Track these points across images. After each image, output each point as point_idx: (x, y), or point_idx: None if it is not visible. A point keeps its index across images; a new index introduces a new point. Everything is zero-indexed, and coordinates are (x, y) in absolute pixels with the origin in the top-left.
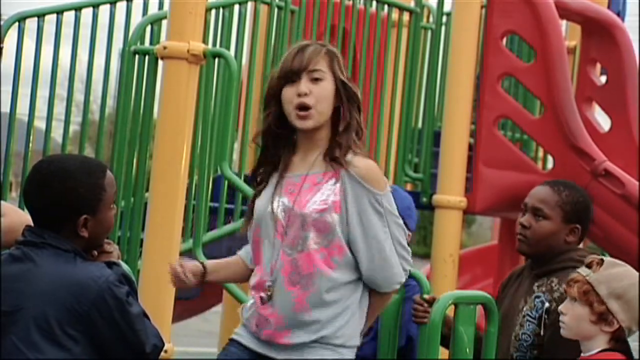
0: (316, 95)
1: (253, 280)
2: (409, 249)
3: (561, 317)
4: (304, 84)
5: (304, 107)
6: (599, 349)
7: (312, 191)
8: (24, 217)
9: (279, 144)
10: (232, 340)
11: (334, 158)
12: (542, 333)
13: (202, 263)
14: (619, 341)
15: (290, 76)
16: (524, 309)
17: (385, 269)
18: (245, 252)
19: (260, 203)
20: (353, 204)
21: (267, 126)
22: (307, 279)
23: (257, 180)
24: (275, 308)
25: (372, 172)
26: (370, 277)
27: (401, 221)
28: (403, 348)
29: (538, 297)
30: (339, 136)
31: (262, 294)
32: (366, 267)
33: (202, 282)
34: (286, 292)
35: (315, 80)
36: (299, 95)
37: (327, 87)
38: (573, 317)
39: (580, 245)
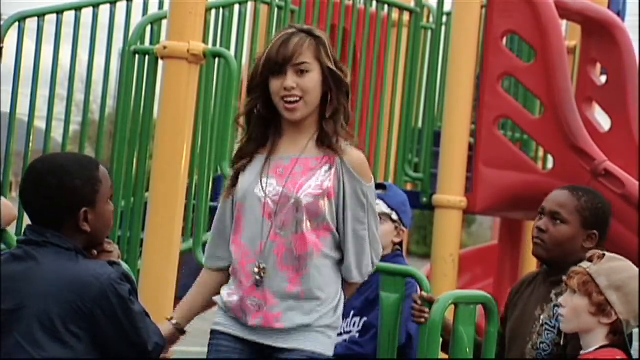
0: (302, 87)
1: (233, 262)
2: (380, 242)
3: (560, 310)
4: (290, 78)
5: (290, 100)
6: (599, 345)
7: (306, 174)
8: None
9: (265, 125)
10: (216, 333)
11: (330, 145)
12: (562, 343)
13: (173, 323)
14: (616, 334)
15: (275, 68)
16: (542, 317)
17: (360, 259)
18: (215, 257)
19: (245, 181)
20: (343, 191)
21: (251, 110)
22: (301, 260)
23: (238, 157)
24: (266, 289)
25: (363, 163)
26: (346, 265)
27: (377, 215)
28: (403, 346)
29: (558, 306)
30: (326, 122)
31: (256, 275)
32: (345, 255)
33: (184, 332)
34: (280, 273)
35: (301, 72)
36: (285, 89)
37: (313, 78)
38: (572, 308)
39: None
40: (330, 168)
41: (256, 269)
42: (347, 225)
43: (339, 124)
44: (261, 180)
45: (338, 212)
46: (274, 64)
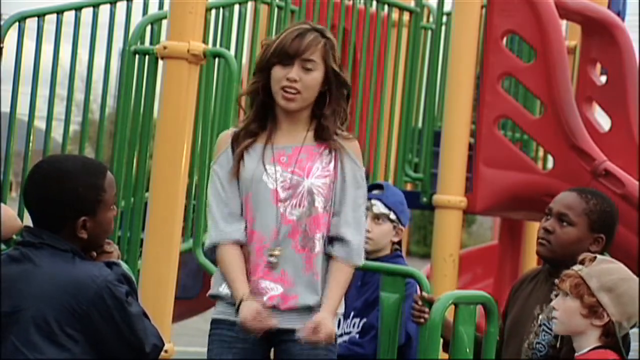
0: (304, 83)
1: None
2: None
3: (553, 313)
4: (295, 71)
5: (290, 91)
6: (591, 347)
7: (311, 159)
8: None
9: (265, 111)
10: (219, 322)
11: (328, 142)
12: (558, 345)
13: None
14: (609, 336)
15: (284, 58)
16: (540, 317)
17: (360, 243)
18: (237, 230)
19: (249, 168)
20: (342, 173)
21: (255, 91)
22: (314, 242)
23: (244, 137)
24: (283, 273)
25: (358, 148)
26: (350, 249)
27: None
28: (402, 346)
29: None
30: (324, 119)
31: (273, 259)
32: (346, 238)
33: None
34: (297, 255)
35: (307, 70)
36: (288, 79)
37: (316, 77)
38: (564, 311)
39: None
40: (330, 152)
41: (272, 254)
42: (348, 208)
43: (336, 123)
44: (265, 168)
45: (336, 195)
46: (285, 54)
